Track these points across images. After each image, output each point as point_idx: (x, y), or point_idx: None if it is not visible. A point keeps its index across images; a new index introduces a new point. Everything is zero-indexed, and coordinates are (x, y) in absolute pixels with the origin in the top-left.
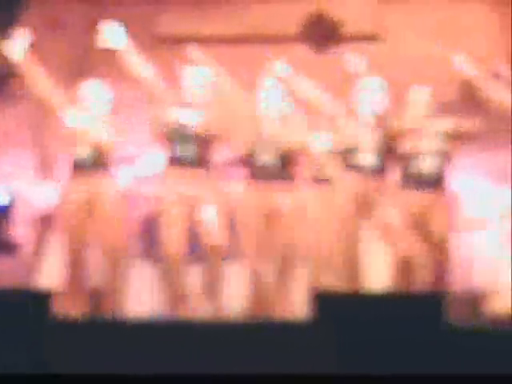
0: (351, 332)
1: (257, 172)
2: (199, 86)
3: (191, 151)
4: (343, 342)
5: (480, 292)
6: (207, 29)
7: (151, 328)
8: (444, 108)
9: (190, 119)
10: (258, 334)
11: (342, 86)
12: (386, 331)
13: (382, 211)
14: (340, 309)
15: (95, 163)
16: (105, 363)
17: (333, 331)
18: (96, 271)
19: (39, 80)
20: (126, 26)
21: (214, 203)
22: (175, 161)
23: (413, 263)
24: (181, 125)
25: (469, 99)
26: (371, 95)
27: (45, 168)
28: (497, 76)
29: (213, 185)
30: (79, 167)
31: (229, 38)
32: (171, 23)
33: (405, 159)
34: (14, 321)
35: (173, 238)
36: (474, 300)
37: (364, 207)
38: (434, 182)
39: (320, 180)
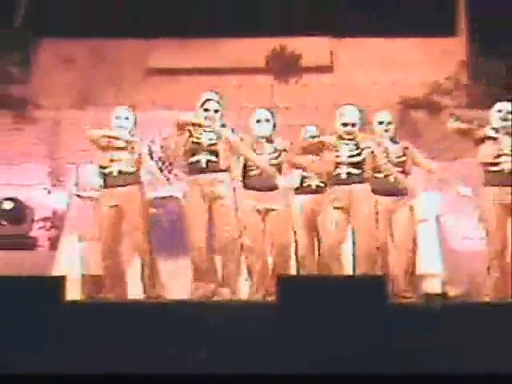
0: (309, 310)
1: (249, 182)
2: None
3: (204, 162)
4: (303, 319)
5: (420, 275)
6: (189, 63)
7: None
8: None
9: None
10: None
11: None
12: (338, 309)
13: (357, 212)
14: (300, 290)
15: (124, 175)
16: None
17: (293, 310)
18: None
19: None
20: (124, 60)
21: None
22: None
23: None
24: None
25: (406, 121)
26: (349, 119)
27: (57, 177)
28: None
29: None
30: (111, 179)
31: (208, 70)
32: (160, 58)
33: (374, 173)
34: (31, 303)
35: (198, 232)
36: (416, 281)
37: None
38: (399, 191)
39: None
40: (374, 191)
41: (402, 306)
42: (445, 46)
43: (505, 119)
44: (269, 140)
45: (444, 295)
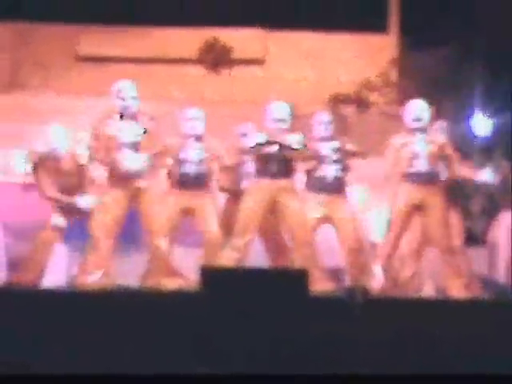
0: (232, 299)
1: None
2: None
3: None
4: (226, 307)
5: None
6: (119, 51)
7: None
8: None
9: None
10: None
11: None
12: (261, 299)
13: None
14: (223, 280)
15: None
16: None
17: (217, 299)
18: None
19: None
20: (53, 45)
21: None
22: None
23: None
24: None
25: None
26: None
27: None
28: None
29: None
30: None
31: (137, 59)
32: (90, 45)
33: (310, 169)
34: None
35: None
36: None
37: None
38: (337, 187)
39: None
40: (310, 188)
41: (323, 299)
42: (376, 43)
43: (417, 119)
44: (198, 139)
45: (365, 289)
